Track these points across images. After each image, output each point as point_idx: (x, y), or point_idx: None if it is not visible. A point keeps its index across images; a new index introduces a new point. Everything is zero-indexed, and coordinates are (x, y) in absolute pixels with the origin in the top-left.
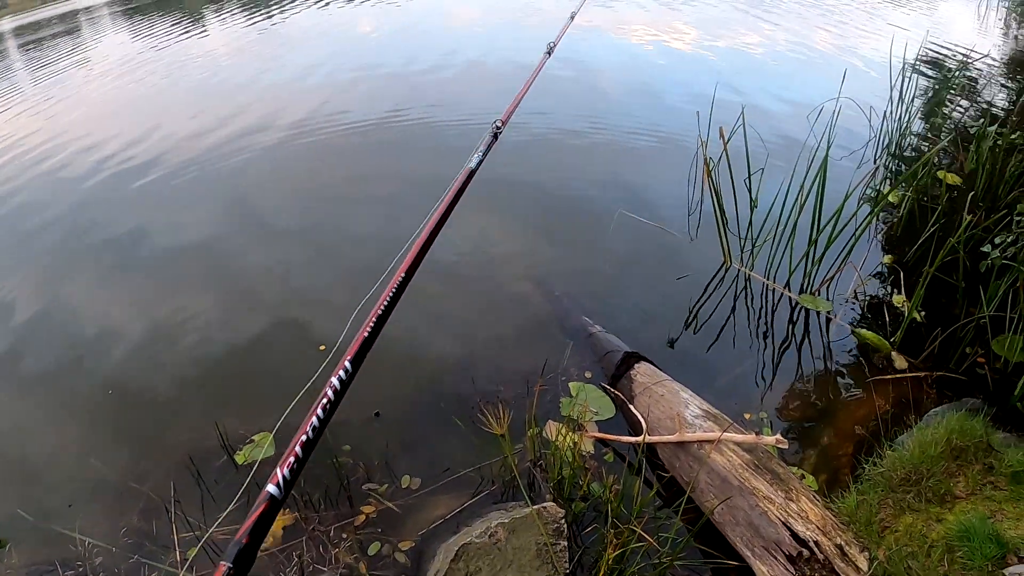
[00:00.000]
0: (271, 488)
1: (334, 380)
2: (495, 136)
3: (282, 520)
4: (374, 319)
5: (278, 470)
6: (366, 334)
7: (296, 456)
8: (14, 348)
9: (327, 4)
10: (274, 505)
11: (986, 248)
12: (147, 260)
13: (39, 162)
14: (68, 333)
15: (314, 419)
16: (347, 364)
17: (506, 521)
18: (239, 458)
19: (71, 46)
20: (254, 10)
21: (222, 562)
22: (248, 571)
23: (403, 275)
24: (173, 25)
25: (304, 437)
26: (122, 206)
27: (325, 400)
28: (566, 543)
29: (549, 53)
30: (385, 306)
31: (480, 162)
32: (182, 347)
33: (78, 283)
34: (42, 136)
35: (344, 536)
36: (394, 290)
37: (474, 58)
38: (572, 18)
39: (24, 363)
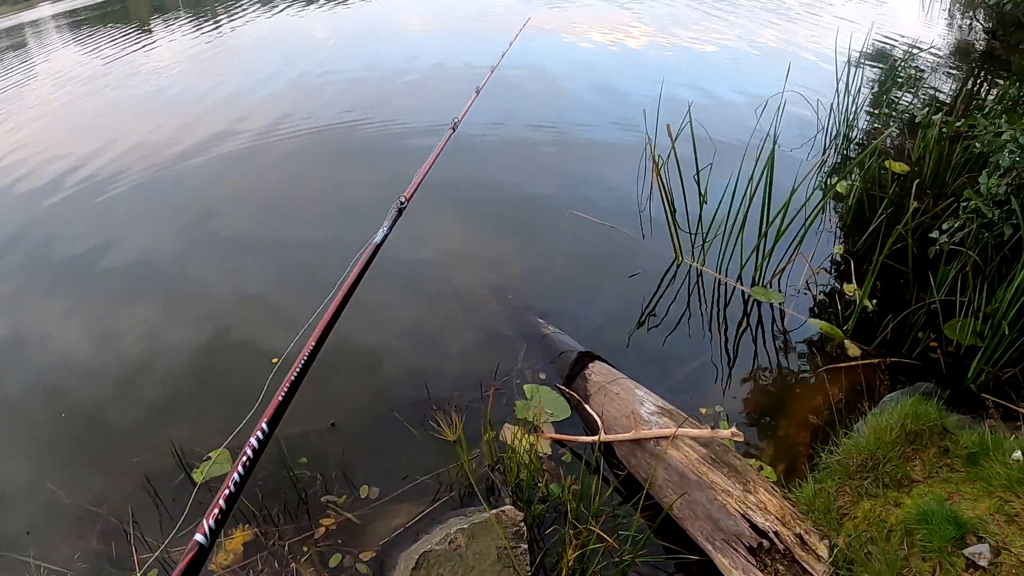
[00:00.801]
0: (199, 537)
1: (252, 440)
2: (400, 212)
3: (242, 536)
4: (287, 385)
5: (204, 521)
6: (280, 398)
7: (220, 508)
8: None
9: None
10: (202, 553)
11: (934, 235)
12: (95, 277)
13: None
14: (17, 356)
15: (235, 475)
16: (264, 426)
17: (465, 527)
18: (196, 476)
19: (19, 60)
20: (201, 21)
21: None
22: None
23: (313, 344)
24: (122, 37)
25: (227, 491)
26: (67, 222)
27: (245, 458)
28: (527, 546)
29: (454, 129)
30: (297, 373)
31: (385, 236)
32: (134, 366)
33: (26, 303)
34: None
35: (304, 549)
36: (304, 360)
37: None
38: (477, 92)
39: None
